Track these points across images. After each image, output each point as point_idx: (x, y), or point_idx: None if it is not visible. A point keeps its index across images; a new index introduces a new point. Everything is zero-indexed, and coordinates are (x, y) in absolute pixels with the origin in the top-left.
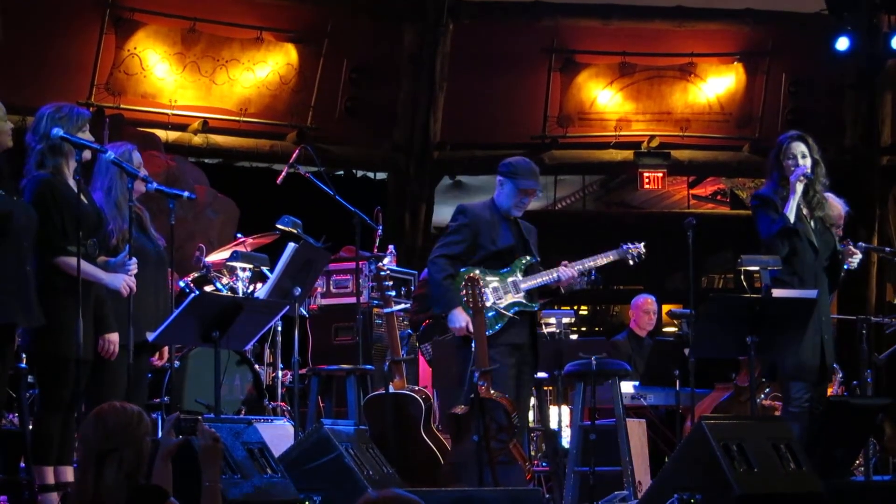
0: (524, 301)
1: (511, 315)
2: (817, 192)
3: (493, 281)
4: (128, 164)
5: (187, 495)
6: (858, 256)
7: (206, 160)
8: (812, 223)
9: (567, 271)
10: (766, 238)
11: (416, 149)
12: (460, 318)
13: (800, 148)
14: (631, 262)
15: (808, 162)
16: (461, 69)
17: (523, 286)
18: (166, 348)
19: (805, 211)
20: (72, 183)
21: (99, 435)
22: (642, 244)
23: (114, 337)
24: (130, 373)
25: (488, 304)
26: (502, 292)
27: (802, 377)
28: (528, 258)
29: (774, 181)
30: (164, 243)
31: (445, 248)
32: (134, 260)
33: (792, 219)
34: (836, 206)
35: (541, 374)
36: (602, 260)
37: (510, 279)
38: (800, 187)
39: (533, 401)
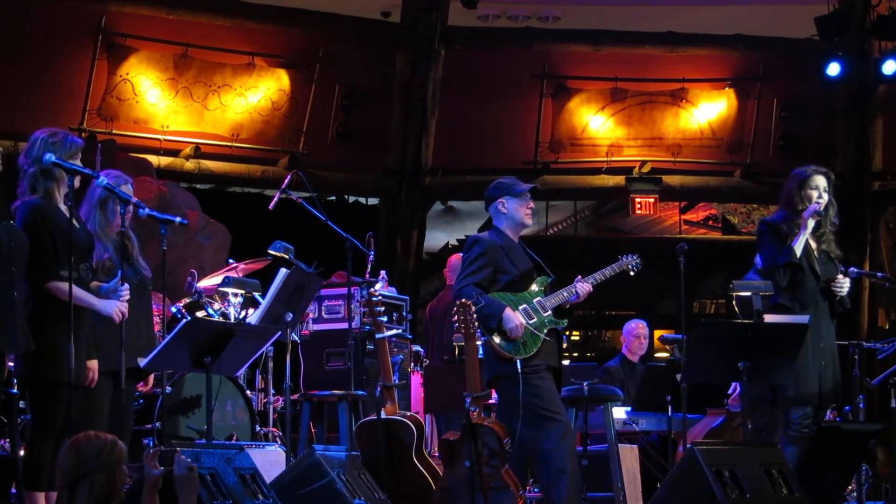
0: (554, 318)
1: (545, 336)
2: (827, 230)
3: (521, 304)
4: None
5: None
6: (847, 282)
7: (198, 185)
8: (816, 253)
9: (584, 286)
10: (769, 267)
11: (408, 174)
12: (514, 318)
13: (822, 182)
14: (632, 273)
15: (825, 199)
16: (453, 95)
17: (549, 304)
18: (152, 375)
19: (812, 244)
20: (63, 208)
21: (72, 462)
22: (637, 255)
23: (93, 364)
24: (122, 399)
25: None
26: (532, 313)
27: (804, 402)
28: (546, 277)
29: (788, 210)
30: (149, 272)
31: (470, 276)
32: (126, 286)
33: (799, 253)
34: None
35: None
36: (609, 272)
37: (535, 300)
38: (811, 223)
39: None
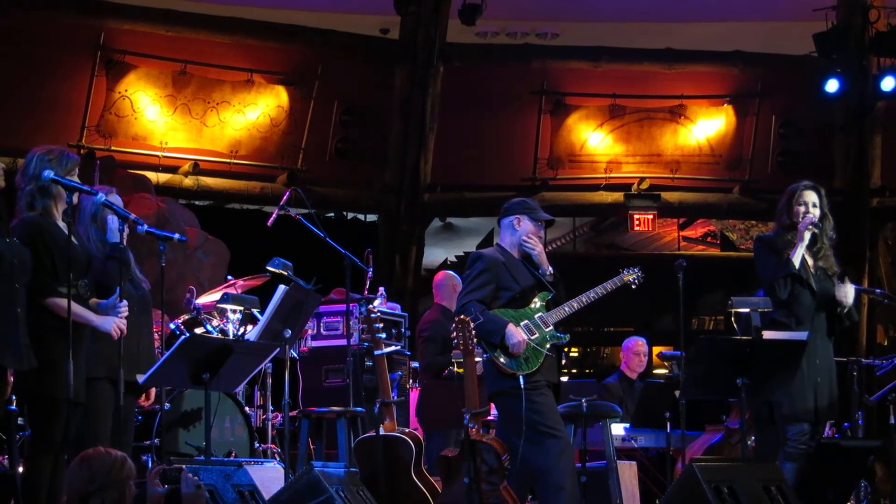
0: (556, 333)
1: (546, 351)
2: (824, 245)
3: (523, 319)
4: (120, 207)
5: None
6: (850, 289)
7: (197, 202)
8: (813, 270)
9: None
10: (769, 281)
11: (407, 191)
12: (517, 334)
13: (811, 197)
14: (633, 286)
15: (818, 213)
16: (451, 111)
17: (551, 320)
18: (153, 389)
19: (809, 260)
20: (61, 224)
21: (83, 477)
22: (638, 268)
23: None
24: (120, 414)
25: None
26: (534, 329)
27: (799, 419)
28: (547, 293)
29: (781, 226)
30: (148, 286)
31: (473, 293)
32: (125, 302)
33: (797, 264)
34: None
35: None
36: (610, 286)
37: (537, 315)
38: (807, 235)
39: None
